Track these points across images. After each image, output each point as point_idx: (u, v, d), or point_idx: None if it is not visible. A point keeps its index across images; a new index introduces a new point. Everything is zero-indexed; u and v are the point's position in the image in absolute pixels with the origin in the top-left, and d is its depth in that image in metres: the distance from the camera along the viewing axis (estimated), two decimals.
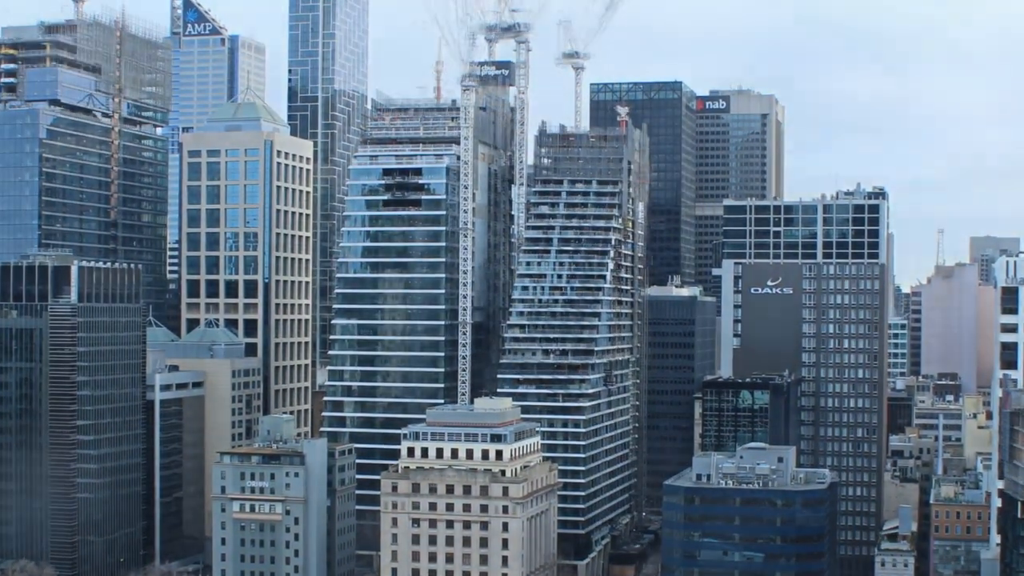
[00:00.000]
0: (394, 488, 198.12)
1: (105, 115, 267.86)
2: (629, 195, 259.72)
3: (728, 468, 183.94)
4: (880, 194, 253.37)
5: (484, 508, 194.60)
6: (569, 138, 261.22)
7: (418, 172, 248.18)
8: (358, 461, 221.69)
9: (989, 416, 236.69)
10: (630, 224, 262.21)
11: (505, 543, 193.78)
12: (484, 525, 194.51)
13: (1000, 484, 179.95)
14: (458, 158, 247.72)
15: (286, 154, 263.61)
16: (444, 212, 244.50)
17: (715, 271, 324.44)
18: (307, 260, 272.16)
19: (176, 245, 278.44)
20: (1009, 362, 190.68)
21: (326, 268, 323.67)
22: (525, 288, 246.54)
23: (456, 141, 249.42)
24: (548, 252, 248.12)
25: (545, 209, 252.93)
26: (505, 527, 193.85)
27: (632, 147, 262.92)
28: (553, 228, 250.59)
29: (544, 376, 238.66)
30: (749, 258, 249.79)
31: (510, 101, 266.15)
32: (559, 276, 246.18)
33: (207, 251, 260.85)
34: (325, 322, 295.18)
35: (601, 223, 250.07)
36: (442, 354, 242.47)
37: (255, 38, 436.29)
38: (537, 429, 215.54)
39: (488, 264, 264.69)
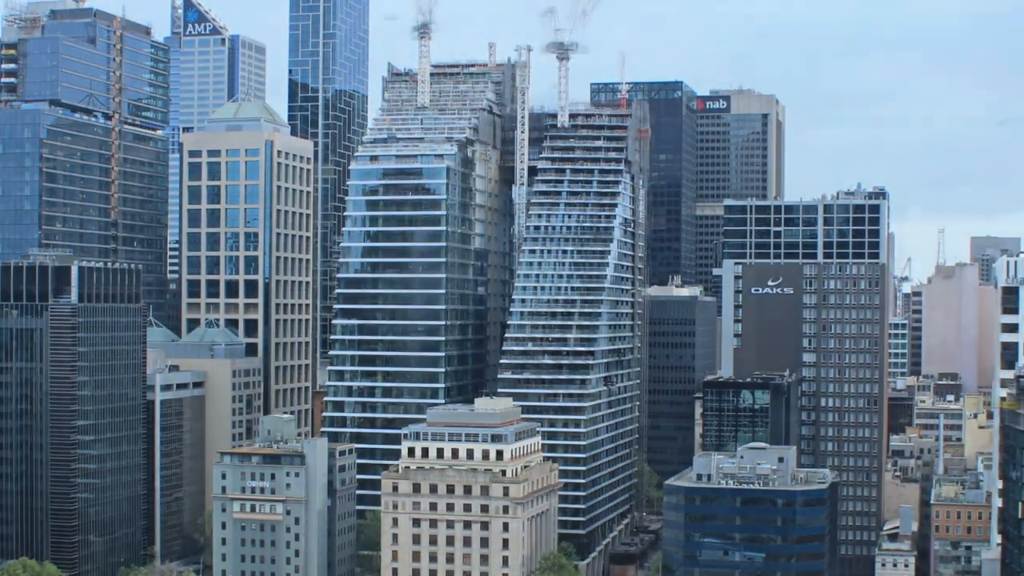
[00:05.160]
0: (395, 488, 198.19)
1: (105, 115, 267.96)
2: (632, 170, 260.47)
3: (729, 468, 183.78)
4: (880, 194, 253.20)
5: (484, 508, 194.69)
6: (577, 116, 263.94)
7: (418, 172, 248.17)
8: (359, 461, 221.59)
9: (990, 416, 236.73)
10: (631, 216, 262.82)
11: (505, 543, 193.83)
12: (484, 525, 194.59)
13: (1000, 484, 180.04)
14: (459, 157, 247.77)
15: (286, 154, 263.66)
16: (444, 212, 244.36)
17: (715, 271, 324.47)
18: (307, 260, 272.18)
19: (176, 245, 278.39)
20: (1010, 362, 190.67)
21: (326, 268, 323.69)
22: (525, 288, 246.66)
23: (456, 140, 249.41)
24: (548, 252, 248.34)
25: (545, 208, 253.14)
26: (505, 527, 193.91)
27: (635, 120, 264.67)
28: (553, 228, 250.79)
29: (544, 376, 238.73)
30: (749, 258, 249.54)
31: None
32: (559, 276, 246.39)
33: (207, 251, 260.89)
34: (325, 322, 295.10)
35: (603, 220, 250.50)
36: (442, 354, 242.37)
37: (255, 38, 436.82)
38: (537, 429, 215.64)
39: (488, 263, 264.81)
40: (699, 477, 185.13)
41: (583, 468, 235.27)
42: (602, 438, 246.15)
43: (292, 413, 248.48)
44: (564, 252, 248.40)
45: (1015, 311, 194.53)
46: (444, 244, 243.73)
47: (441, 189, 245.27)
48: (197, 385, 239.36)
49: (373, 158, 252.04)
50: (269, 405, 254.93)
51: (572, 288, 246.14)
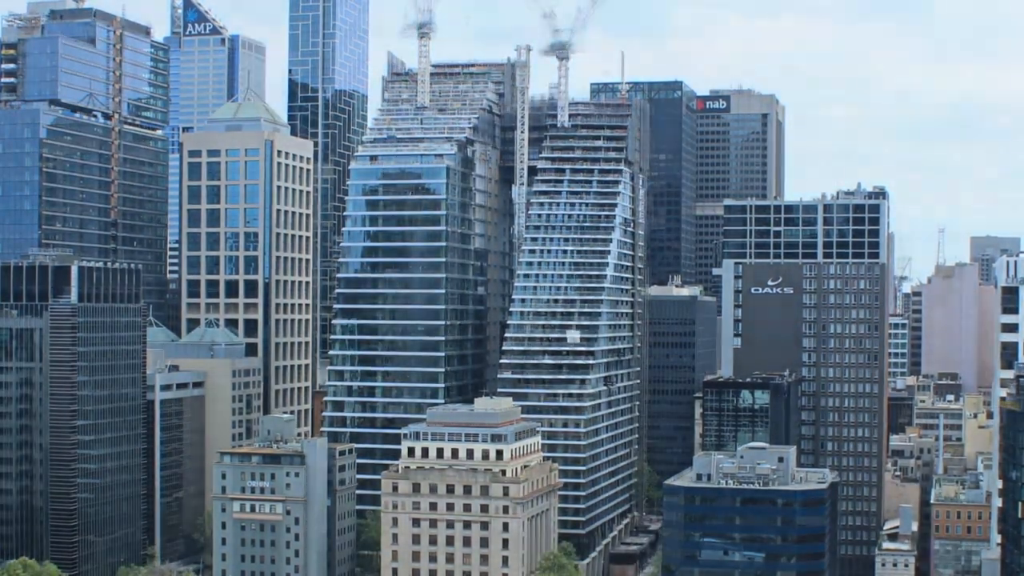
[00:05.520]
0: (394, 488, 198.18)
1: (105, 115, 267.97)
2: (632, 170, 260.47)
3: (728, 468, 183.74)
4: (880, 194, 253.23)
5: (484, 508, 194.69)
6: (577, 116, 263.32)
7: (418, 172, 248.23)
8: (358, 461, 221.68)
9: (990, 416, 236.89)
10: (631, 216, 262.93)
11: (505, 543, 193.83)
12: (484, 525, 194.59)
13: (1000, 484, 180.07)
14: (459, 157, 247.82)
15: (286, 154, 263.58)
16: (444, 212, 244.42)
17: (715, 271, 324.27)
18: (307, 260, 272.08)
19: (176, 245, 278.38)
20: (1010, 362, 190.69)
21: (326, 268, 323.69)
22: (525, 288, 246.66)
23: (456, 140, 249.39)
24: (548, 251, 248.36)
25: (545, 208, 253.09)
26: (505, 527, 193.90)
27: (635, 120, 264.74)
28: (553, 227, 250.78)
29: (544, 376, 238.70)
30: (749, 258, 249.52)
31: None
32: (559, 275, 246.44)
33: (207, 251, 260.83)
34: (325, 322, 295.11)
35: (603, 219, 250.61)
36: (442, 354, 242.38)
37: (255, 38, 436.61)
38: (537, 429, 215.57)
39: (488, 263, 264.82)
40: (699, 477, 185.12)
41: (583, 468, 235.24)
42: (602, 438, 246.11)
43: (292, 413, 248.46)
44: (564, 252, 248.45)
45: (1015, 311, 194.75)
46: (444, 244, 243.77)
47: (441, 189, 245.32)
48: (197, 385, 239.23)
49: (373, 158, 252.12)
50: (269, 405, 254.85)
51: (572, 288, 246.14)
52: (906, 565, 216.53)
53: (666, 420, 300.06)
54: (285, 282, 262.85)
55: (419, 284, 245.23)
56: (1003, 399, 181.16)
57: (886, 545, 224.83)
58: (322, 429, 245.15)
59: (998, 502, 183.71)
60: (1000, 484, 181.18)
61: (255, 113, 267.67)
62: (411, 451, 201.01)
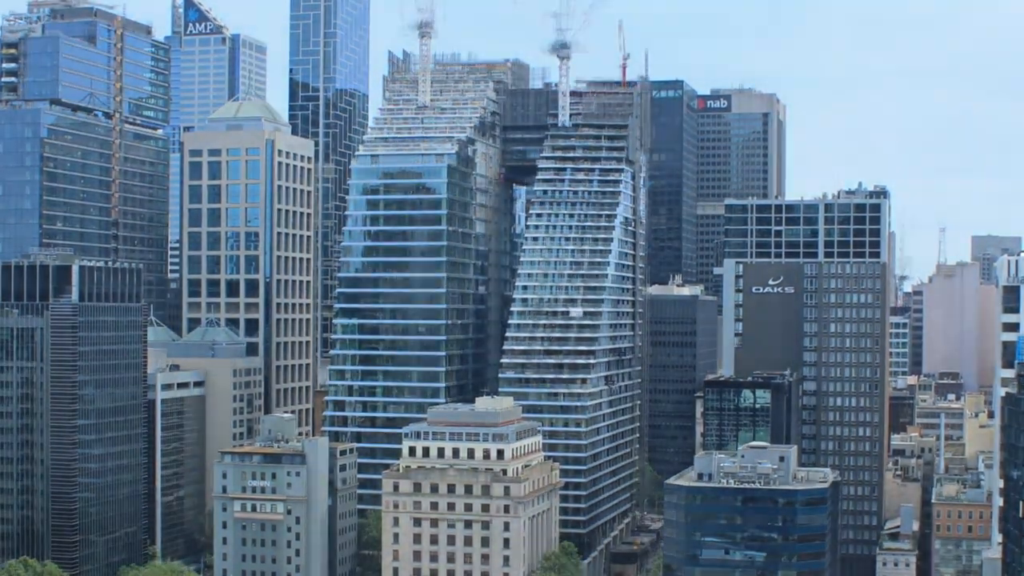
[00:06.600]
0: (396, 487, 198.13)
1: (106, 114, 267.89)
2: (633, 169, 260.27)
3: (729, 467, 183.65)
4: (881, 193, 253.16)
5: (485, 507, 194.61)
6: (578, 115, 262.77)
7: (419, 172, 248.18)
8: (359, 460, 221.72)
9: (991, 415, 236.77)
10: (632, 215, 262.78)
11: (506, 542, 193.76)
12: (485, 524, 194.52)
13: (1001, 483, 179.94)
14: (460, 156, 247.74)
15: (287, 153, 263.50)
16: (445, 211, 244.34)
17: (716, 270, 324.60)
18: (308, 259, 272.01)
19: (177, 244, 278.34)
20: (1010, 361, 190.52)
21: (327, 267, 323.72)
22: (526, 287, 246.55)
23: (456, 140, 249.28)
24: (549, 251, 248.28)
25: (546, 207, 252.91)
26: (506, 526, 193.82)
27: (636, 116, 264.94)
28: (554, 227, 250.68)
29: (545, 375, 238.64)
30: (750, 257, 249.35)
31: None
32: (560, 275, 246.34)
33: (208, 250, 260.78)
34: (326, 321, 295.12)
35: (604, 219, 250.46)
36: (443, 353, 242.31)
37: (256, 37, 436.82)
38: (538, 428, 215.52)
39: (489, 263, 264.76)
40: (700, 476, 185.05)
41: (584, 467, 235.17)
42: (603, 437, 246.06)
43: (293, 412, 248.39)
44: (565, 251, 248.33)
45: (1016, 310, 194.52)
46: (444, 243, 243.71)
47: (441, 188, 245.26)
48: (198, 384, 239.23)
49: (374, 157, 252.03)
50: (270, 404, 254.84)
51: (573, 287, 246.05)
52: (907, 565, 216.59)
53: (667, 419, 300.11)
54: (286, 281, 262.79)
55: (420, 283, 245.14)
56: (1004, 398, 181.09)
57: (887, 545, 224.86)
58: (323, 428, 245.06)
59: (999, 501, 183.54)
60: (1001, 483, 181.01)
61: (256, 112, 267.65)
62: (412, 450, 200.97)
